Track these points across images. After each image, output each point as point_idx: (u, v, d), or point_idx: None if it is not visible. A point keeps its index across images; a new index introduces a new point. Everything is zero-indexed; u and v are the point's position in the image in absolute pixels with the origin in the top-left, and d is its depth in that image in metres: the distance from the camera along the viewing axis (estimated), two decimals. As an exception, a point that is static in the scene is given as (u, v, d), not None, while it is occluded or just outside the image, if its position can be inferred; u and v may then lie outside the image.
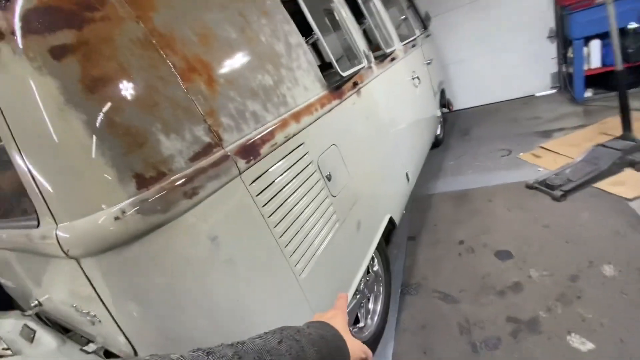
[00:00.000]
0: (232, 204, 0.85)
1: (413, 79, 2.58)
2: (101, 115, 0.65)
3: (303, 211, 1.10)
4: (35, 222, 0.75)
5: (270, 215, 0.96)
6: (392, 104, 2.09)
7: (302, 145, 1.15)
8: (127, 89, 0.70)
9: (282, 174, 1.03)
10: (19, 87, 0.62)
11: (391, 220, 1.83)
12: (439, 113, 3.45)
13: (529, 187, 2.41)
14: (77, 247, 0.67)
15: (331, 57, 1.43)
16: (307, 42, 1.39)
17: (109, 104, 0.67)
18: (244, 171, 0.90)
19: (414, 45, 2.78)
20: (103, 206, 0.65)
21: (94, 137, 0.65)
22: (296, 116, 1.15)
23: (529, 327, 1.47)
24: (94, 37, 0.67)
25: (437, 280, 1.93)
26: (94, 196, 0.66)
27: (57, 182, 0.67)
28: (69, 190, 0.67)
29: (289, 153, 1.08)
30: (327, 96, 1.37)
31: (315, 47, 3.04)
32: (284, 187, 1.03)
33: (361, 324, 1.62)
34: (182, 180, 0.74)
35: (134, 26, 0.75)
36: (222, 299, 0.81)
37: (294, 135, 1.12)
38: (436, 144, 3.66)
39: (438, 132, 3.70)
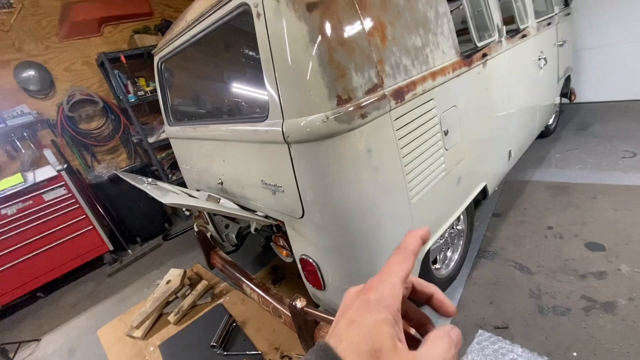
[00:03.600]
0: (382, 130, 1.17)
1: (539, 59, 2.50)
2: (327, 52, 1.01)
3: (423, 152, 1.37)
4: (262, 119, 1.18)
5: (402, 147, 1.26)
6: (512, 80, 2.13)
7: (432, 100, 1.40)
8: (341, 37, 1.04)
9: (415, 119, 1.31)
10: (286, 28, 1.00)
11: (484, 189, 1.99)
12: (557, 101, 3.23)
13: (647, 192, 2.26)
14: (293, 135, 1.07)
15: (472, 27, 1.59)
16: (451, 11, 1.57)
17: (332, 46, 1.02)
18: (393, 109, 1.20)
19: (549, 24, 2.64)
20: (316, 111, 1.03)
21: (320, 66, 1.01)
22: (433, 75, 1.39)
23: (604, 308, 1.57)
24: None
25: (516, 253, 2.07)
26: (311, 105, 1.04)
27: (291, 92, 1.06)
28: (297, 98, 1.06)
29: (423, 104, 1.35)
30: (459, 62, 1.56)
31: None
32: (414, 129, 1.32)
33: (438, 266, 1.90)
34: (360, 105, 1.08)
35: (347, -8, 1.07)
36: (364, 192, 1.16)
37: (429, 90, 1.37)
38: (546, 133, 3.48)
39: (551, 121, 3.48)
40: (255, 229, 1.71)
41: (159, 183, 1.71)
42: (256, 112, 1.17)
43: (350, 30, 1.07)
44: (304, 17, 0.99)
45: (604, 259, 1.85)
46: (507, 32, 2.05)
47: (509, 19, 2.14)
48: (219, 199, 1.69)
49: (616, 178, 2.52)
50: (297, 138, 1.08)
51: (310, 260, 1.35)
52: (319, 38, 1.00)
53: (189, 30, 1.51)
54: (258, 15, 1.05)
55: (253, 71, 1.16)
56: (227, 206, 1.36)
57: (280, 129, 1.10)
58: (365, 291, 0.29)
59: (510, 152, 2.24)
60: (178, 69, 1.88)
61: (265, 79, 1.11)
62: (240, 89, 1.48)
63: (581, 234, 2.07)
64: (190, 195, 1.68)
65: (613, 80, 3.87)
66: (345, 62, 1.05)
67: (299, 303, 1.37)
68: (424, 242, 0.32)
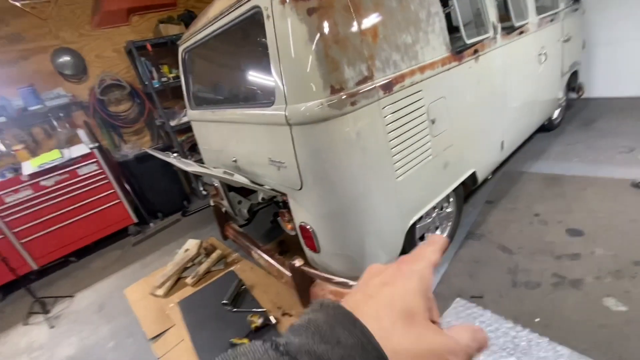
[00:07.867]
0: (371, 116, 1.37)
1: (539, 55, 2.60)
2: (323, 49, 1.21)
3: (409, 137, 1.57)
4: (270, 104, 1.40)
5: (389, 132, 1.46)
6: (507, 75, 2.26)
7: (419, 92, 1.58)
8: (337, 35, 1.23)
9: (402, 108, 1.50)
10: (290, 28, 1.21)
11: (474, 176, 2.16)
12: (561, 95, 3.31)
13: (635, 185, 2.37)
14: (294, 118, 1.29)
15: (461, 26, 1.74)
16: (444, 10, 1.72)
17: (327, 44, 1.22)
18: (381, 99, 1.40)
19: (552, 20, 2.71)
20: (314, 99, 1.24)
21: (317, 61, 1.21)
22: (422, 69, 1.57)
23: (571, 284, 1.74)
24: (326, 4, 1.21)
25: (501, 236, 2.24)
26: (309, 93, 1.25)
27: (293, 82, 1.27)
28: (297, 87, 1.27)
29: (410, 95, 1.53)
30: (449, 58, 1.72)
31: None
32: (402, 117, 1.51)
33: (426, 243, 2.10)
34: (350, 94, 1.28)
35: (343, -3, 1.26)
36: (352, 168, 1.38)
37: (417, 83, 1.55)
38: (550, 127, 3.55)
39: (555, 115, 3.55)
40: (263, 199, 1.95)
41: (182, 159, 1.97)
42: (264, 98, 1.39)
43: (344, 30, 1.26)
44: (304, 20, 1.19)
45: (581, 243, 2.00)
46: (505, 28, 2.17)
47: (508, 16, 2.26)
48: (233, 174, 1.93)
49: (609, 171, 2.62)
50: (297, 121, 1.30)
51: (308, 226, 1.58)
52: (317, 37, 1.21)
53: (211, 25, 1.74)
54: (268, 16, 1.26)
55: (262, 63, 1.38)
56: (238, 179, 1.60)
57: (284, 113, 1.32)
58: (399, 263, 0.28)
59: (502, 142, 2.38)
60: (200, 58, 2.12)
61: (272, 69, 1.32)
62: (252, 77, 1.70)
63: (565, 221, 2.22)
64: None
65: (622, 77, 3.87)
66: (339, 57, 1.25)
67: (297, 262, 1.62)
68: (445, 248, 0.33)
